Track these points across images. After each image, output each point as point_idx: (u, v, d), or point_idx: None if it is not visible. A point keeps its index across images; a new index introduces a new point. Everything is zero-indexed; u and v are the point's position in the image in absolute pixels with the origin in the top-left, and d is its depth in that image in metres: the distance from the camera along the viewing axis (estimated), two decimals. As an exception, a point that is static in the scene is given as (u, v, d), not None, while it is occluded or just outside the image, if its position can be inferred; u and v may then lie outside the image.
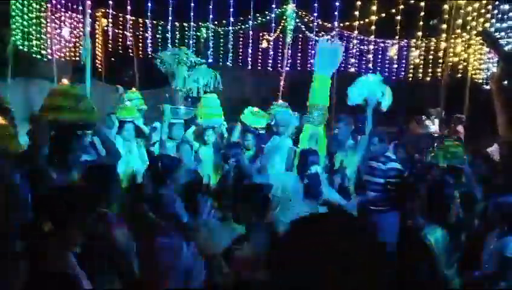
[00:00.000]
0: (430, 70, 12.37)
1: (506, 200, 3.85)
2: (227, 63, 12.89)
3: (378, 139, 5.44)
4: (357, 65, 12.86)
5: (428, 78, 12.55)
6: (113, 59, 14.22)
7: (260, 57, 13.49)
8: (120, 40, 12.83)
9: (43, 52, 11.00)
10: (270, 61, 13.32)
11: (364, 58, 12.90)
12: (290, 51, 11.77)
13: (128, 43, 12.82)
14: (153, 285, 3.35)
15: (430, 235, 3.73)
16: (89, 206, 2.36)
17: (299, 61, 13.36)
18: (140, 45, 13.04)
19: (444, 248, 3.66)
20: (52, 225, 2.09)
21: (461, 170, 5.20)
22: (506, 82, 9.16)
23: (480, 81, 11.70)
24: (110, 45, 12.78)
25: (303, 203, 4.32)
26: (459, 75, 11.33)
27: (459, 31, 10.49)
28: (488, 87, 11.34)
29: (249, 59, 13.18)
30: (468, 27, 10.39)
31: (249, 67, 13.45)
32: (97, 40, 12.19)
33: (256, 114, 6.41)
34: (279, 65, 12.60)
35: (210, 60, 11.48)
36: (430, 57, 12.32)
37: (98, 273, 2.83)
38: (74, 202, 2.24)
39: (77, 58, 11.75)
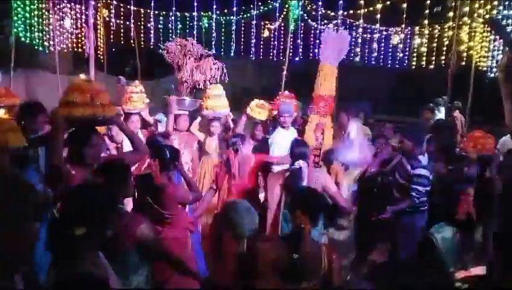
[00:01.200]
0: (433, 58, 12.29)
1: None
2: (230, 54, 12.81)
3: None
4: (359, 54, 12.75)
5: (432, 66, 12.47)
6: (114, 50, 14.13)
7: (262, 46, 13.40)
8: (122, 30, 12.73)
9: (45, 43, 10.93)
10: (274, 51, 13.23)
11: (367, 47, 12.79)
12: (292, 41, 11.69)
13: (131, 34, 12.74)
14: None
15: (437, 233, 3.66)
16: (116, 205, 2.33)
17: (301, 50, 13.26)
18: (142, 35, 12.95)
19: (453, 247, 3.57)
20: (86, 228, 2.02)
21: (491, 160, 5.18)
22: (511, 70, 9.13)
23: (485, 69, 11.62)
24: (112, 36, 12.67)
25: None
26: (463, 63, 11.25)
27: (465, 18, 10.39)
28: (492, 75, 11.29)
29: (252, 49, 13.10)
30: (475, 14, 10.29)
31: (252, 57, 13.36)
32: (99, 30, 12.10)
33: (261, 106, 6.42)
34: (282, 55, 12.52)
35: (213, 51, 11.42)
36: (434, 45, 12.23)
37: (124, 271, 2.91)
38: (105, 202, 2.17)
39: (79, 50, 11.69)
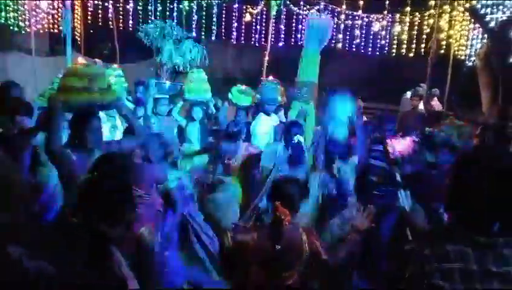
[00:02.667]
0: (414, 46, 12.36)
1: None
2: (211, 38, 12.66)
3: None
4: (341, 40, 12.75)
5: (412, 54, 12.55)
6: (91, 31, 13.82)
7: (244, 31, 13.27)
8: (100, 11, 12.45)
9: (21, 23, 10.64)
10: (256, 35, 13.13)
11: (348, 33, 12.79)
12: (274, 25, 11.60)
13: (109, 15, 12.46)
14: None
15: None
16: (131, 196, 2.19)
17: (283, 35, 13.19)
18: (121, 17, 12.68)
19: None
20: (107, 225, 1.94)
21: None
22: (491, 58, 9.25)
23: (463, 57, 11.74)
24: (89, 17, 12.38)
25: (289, 171, 4.50)
26: (442, 51, 11.34)
27: (446, 7, 10.45)
28: (470, 63, 11.42)
29: (234, 33, 12.97)
30: (455, 3, 10.35)
31: (233, 41, 13.24)
32: (76, 11, 11.81)
33: (243, 92, 6.33)
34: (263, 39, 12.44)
35: (194, 34, 11.25)
36: (414, 32, 12.29)
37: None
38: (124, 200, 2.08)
39: (56, 31, 11.41)
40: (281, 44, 12.88)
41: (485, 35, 10.03)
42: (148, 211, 3.74)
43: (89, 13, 12.25)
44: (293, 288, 2.93)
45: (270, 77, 6.85)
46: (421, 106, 9.61)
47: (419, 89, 10.15)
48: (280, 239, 2.80)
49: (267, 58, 10.24)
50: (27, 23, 10.42)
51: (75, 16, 11.70)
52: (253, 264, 2.86)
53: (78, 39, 12.14)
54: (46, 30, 11.71)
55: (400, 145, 4.39)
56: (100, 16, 12.46)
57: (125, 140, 3.90)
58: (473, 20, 10.48)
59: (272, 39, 11.32)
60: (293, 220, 2.95)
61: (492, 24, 9.65)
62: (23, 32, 10.88)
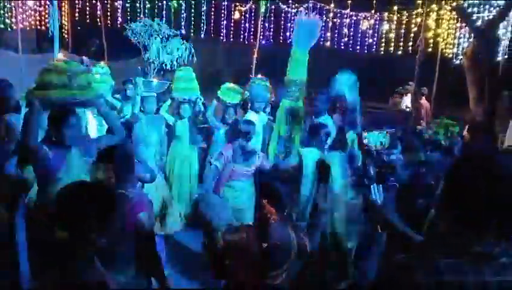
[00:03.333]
0: (401, 44, 12.43)
1: None
2: (200, 35, 12.64)
3: None
4: (330, 39, 12.77)
5: (399, 52, 12.62)
6: (79, 28, 13.72)
7: (233, 28, 13.25)
8: (88, 9, 12.36)
9: (7, 20, 10.53)
10: (245, 33, 13.12)
11: (337, 31, 12.82)
12: (263, 23, 11.61)
13: (97, 13, 12.39)
14: None
15: None
16: (111, 208, 2.10)
17: (272, 33, 13.18)
18: (109, 14, 12.60)
19: None
20: (69, 234, 1.88)
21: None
22: (478, 57, 9.33)
23: (451, 55, 11.83)
24: (77, 14, 12.29)
25: None
26: (429, 49, 11.42)
27: (433, 5, 10.52)
28: (458, 62, 11.51)
29: (223, 31, 12.95)
30: (443, 2, 10.42)
31: (222, 39, 13.21)
32: (63, 8, 11.72)
33: (232, 90, 6.31)
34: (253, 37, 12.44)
35: (183, 32, 11.21)
36: (402, 31, 12.35)
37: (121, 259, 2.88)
38: (97, 205, 1.99)
39: (43, 28, 11.31)
40: (270, 42, 12.89)
41: (472, 34, 10.11)
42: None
43: (77, 10, 12.16)
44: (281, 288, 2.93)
45: (259, 75, 6.84)
46: (408, 104, 9.68)
47: (407, 87, 10.22)
48: (267, 238, 2.80)
49: (256, 56, 10.25)
50: (14, 20, 10.31)
51: (63, 13, 11.60)
52: (241, 263, 2.84)
53: (66, 36, 12.05)
54: (33, 27, 11.58)
55: (375, 136, 4.37)
56: (88, 13, 12.38)
57: (103, 138, 3.89)
58: (460, 19, 10.56)
59: (261, 37, 11.34)
60: (281, 219, 2.95)
61: (479, 23, 9.74)
62: (9, 29, 10.76)
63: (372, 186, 3.51)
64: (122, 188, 3.02)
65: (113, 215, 2.05)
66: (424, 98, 10.47)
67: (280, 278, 2.91)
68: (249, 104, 6.09)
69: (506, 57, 10.03)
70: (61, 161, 3.34)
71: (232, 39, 13.27)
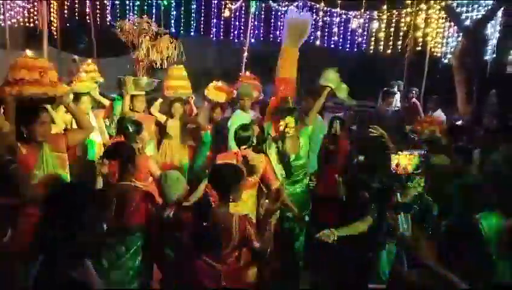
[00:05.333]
0: (391, 43, 12.46)
1: None
2: (190, 33, 12.60)
3: None
4: (319, 37, 12.79)
5: (389, 51, 12.66)
6: (68, 25, 13.61)
7: (223, 26, 13.23)
8: (77, 5, 12.27)
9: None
10: (235, 31, 13.10)
11: (327, 30, 12.85)
12: (253, 21, 11.59)
13: (87, 10, 12.28)
14: None
15: (484, 220, 3.52)
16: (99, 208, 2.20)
17: (262, 31, 13.19)
18: (98, 11, 12.51)
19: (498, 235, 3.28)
20: (65, 233, 1.90)
21: None
22: (466, 56, 9.41)
23: (439, 54, 11.90)
24: (66, 11, 12.19)
25: None
26: (418, 48, 11.48)
27: (422, 5, 10.56)
28: (446, 61, 11.58)
29: (212, 29, 12.92)
30: (431, 1, 10.47)
31: (212, 37, 13.19)
32: (52, 5, 11.60)
33: (219, 88, 6.29)
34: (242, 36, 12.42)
35: (172, 29, 11.18)
36: (392, 29, 12.39)
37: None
38: (85, 205, 2.05)
39: (31, 25, 11.21)
40: (260, 40, 12.88)
41: (461, 34, 10.19)
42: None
43: (66, 7, 12.06)
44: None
45: (247, 73, 6.85)
46: (397, 103, 9.71)
47: (395, 85, 10.24)
48: (207, 217, 3.08)
49: (246, 54, 10.23)
50: (1, 17, 10.21)
51: (51, 9, 11.50)
52: (186, 237, 3.20)
53: (55, 33, 11.94)
54: (22, 24, 11.48)
55: (407, 160, 3.59)
56: (77, 10, 12.29)
57: (70, 133, 3.98)
58: (448, 18, 10.62)
59: (251, 35, 11.31)
60: (225, 204, 3.21)
61: (467, 22, 9.82)
62: (-4, 26, 10.66)
63: (399, 216, 3.40)
64: (128, 180, 3.48)
65: (103, 211, 2.13)
66: (415, 99, 10.40)
67: (230, 259, 3.16)
68: (238, 103, 6.09)
69: (494, 56, 10.12)
70: (34, 157, 3.40)
71: (222, 37, 13.25)
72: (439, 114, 8.32)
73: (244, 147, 4.43)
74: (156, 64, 6.14)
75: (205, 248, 3.10)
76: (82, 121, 3.87)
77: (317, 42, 12.58)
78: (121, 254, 3.42)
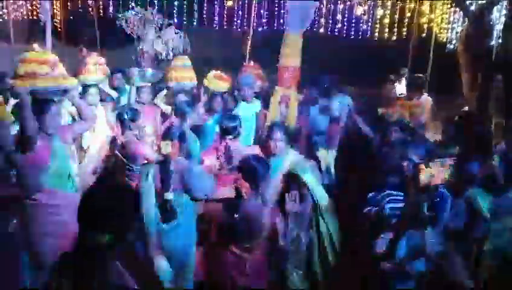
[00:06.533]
0: (396, 29, 12.41)
1: None
2: (193, 23, 12.57)
3: None
4: (324, 25, 12.75)
5: (394, 38, 12.60)
6: (72, 18, 13.62)
7: (226, 16, 13.19)
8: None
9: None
10: (238, 20, 13.06)
11: (331, 18, 12.79)
12: (256, 10, 11.54)
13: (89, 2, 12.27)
14: None
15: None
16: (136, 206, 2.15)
17: (266, 20, 13.14)
18: (101, 3, 12.50)
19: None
20: (108, 235, 1.82)
21: None
22: (471, 41, 9.33)
23: (445, 40, 11.83)
24: (69, 3, 12.18)
25: None
26: (424, 35, 11.41)
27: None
28: (452, 46, 11.51)
29: (215, 18, 12.88)
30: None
31: (216, 26, 13.15)
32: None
33: (219, 78, 6.25)
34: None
35: (175, 20, 11.13)
36: (396, 16, 12.33)
37: None
38: (126, 205, 1.95)
39: (35, 18, 11.22)
40: (264, 28, 12.84)
41: (466, 19, 10.10)
42: None
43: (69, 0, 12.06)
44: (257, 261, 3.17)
45: (251, 62, 6.80)
46: (402, 91, 9.65)
47: (401, 72, 10.20)
48: (238, 209, 3.07)
49: (250, 43, 10.18)
50: (5, 10, 10.22)
51: (55, 2, 11.50)
52: (216, 230, 3.21)
53: (59, 26, 11.95)
54: (25, 18, 11.49)
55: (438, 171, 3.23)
56: (80, 2, 12.29)
57: (75, 125, 4.09)
58: (454, 3, 10.54)
59: (255, 24, 11.26)
60: (256, 196, 3.18)
61: (472, 7, 9.73)
62: (0, 20, 10.67)
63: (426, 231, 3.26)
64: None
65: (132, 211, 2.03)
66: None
67: (256, 252, 3.15)
68: (240, 94, 6.01)
69: (500, 41, 10.03)
70: (47, 149, 3.46)
71: (225, 26, 13.21)
72: (425, 98, 8.25)
73: (230, 137, 4.33)
74: (161, 55, 6.13)
75: (234, 239, 3.12)
76: (85, 112, 3.93)
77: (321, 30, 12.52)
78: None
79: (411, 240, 3.36)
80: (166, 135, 3.81)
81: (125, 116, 4.79)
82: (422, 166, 3.20)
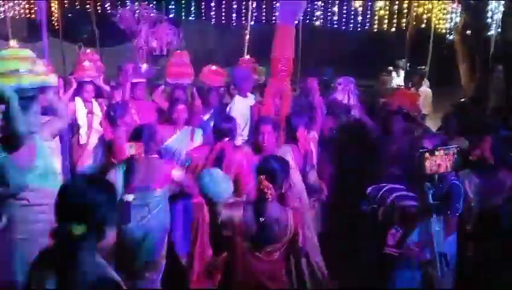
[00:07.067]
0: (395, 21, 12.34)
1: None
2: (190, 18, 12.53)
3: None
4: (322, 18, 12.68)
5: (393, 29, 12.54)
6: (70, 15, 13.62)
7: (224, 9, 13.14)
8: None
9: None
10: (235, 14, 13.02)
11: (329, 10, 12.73)
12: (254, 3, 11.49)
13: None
14: None
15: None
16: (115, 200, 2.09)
17: (264, 13, 13.09)
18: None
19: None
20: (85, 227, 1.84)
21: None
22: (468, 32, 9.30)
23: (444, 31, 11.77)
24: (66, 0, 12.16)
25: None
26: (423, 26, 11.35)
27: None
28: (451, 37, 11.45)
29: (213, 12, 12.84)
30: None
31: (213, 21, 13.11)
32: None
33: (214, 72, 6.23)
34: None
35: (171, 15, 11.12)
36: (395, 7, 12.25)
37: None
38: (105, 198, 1.95)
39: (33, 16, 11.22)
40: (262, 22, 12.78)
41: (463, 8, 10.05)
42: None
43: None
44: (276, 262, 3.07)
45: (247, 57, 6.78)
46: (400, 82, 9.64)
47: (398, 64, 10.18)
48: (264, 212, 2.94)
49: (247, 37, 10.14)
50: (3, 8, 10.22)
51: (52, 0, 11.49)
52: (239, 236, 2.99)
53: (56, 24, 11.92)
54: (23, 16, 11.49)
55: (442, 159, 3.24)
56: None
57: (51, 122, 3.86)
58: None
59: (253, 18, 11.20)
60: (278, 197, 3.06)
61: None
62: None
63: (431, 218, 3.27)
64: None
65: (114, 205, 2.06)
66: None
67: (276, 254, 3.04)
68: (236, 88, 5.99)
69: (499, 31, 9.98)
70: (32, 148, 3.39)
71: (223, 20, 13.15)
72: (424, 89, 8.23)
73: (226, 139, 4.14)
74: (155, 51, 6.14)
75: (259, 243, 3.01)
76: (60, 110, 3.83)
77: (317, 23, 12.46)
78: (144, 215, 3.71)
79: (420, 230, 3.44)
80: (132, 136, 3.90)
81: (113, 113, 4.78)
82: (427, 154, 3.21)
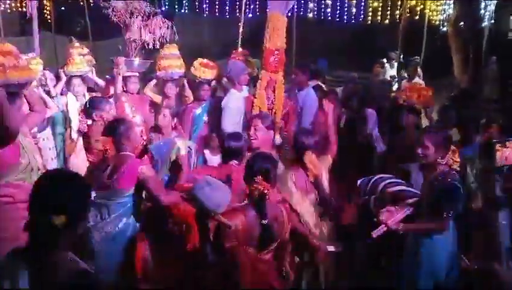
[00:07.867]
0: (388, 12, 12.32)
1: None
2: (183, 11, 12.46)
3: None
4: (316, 10, 12.64)
5: (386, 21, 12.52)
6: (62, 8, 13.50)
7: (217, 2, 13.07)
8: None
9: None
10: (228, 7, 12.95)
11: (323, 1, 12.69)
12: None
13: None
14: None
15: None
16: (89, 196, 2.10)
17: (258, 5, 13.02)
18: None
19: None
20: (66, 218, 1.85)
21: None
22: (461, 24, 9.30)
23: (437, 23, 11.76)
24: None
25: None
26: (417, 17, 11.34)
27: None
28: (445, 29, 11.46)
29: (206, 5, 12.77)
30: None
31: (206, 13, 13.04)
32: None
33: (205, 65, 6.20)
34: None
35: (165, 8, 11.05)
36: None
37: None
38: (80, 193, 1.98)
39: (25, 10, 11.09)
40: (256, 14, 12.72)
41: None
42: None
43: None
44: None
45: (240, 49, 6.76)
46: (393, 72, 9.63)
47: (392, 54, 10.17)
48: (265, 213, 2.91)
49: (241, 29, 10.08)
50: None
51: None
52: (243, 243, 2.92)
53: (49, 17, 11.82)
54: (14, 9, 11.38)
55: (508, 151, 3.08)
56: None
57: (29, 117, 3.82)
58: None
59: (247, 9, 11.14)
60: (275, 196, 3.11)
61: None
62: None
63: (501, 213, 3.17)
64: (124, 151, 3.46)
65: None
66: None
67: (269, 253, 3.04)
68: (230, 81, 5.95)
69: (492, 22, 9.98)
70: (16, 145, 3.34)
71: (217, 13, 13.08)
72: (417, 80, 8.23)
73: (236, 162, 3.77)
74: (148, 44, 6.08)
75: (263, 245, 2.99)
76: (35, 104, 3.78)
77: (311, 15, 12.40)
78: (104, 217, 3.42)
79: None
80: (104, 131, 3.67)
81: (88, 106, 4.66)
82: (499, 146, 3.20)
